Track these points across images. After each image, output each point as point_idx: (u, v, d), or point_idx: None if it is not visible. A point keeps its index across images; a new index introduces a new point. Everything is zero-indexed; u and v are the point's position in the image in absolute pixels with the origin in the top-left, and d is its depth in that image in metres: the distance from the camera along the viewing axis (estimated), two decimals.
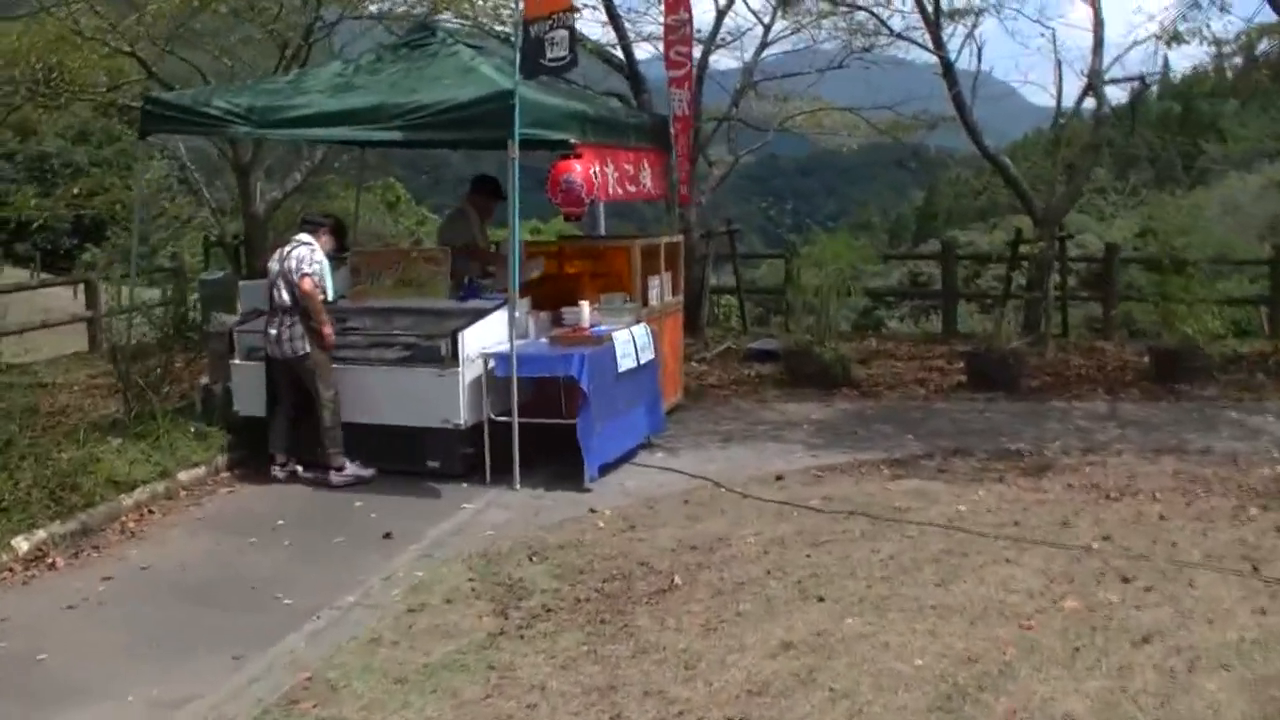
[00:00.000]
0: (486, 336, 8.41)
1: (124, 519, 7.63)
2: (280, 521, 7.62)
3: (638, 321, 9.18)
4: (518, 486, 8.16)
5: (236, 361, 9.06)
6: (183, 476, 8.41)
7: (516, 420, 8.15)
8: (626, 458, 8.82)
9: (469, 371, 8.32)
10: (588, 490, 8.07)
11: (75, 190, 18.48)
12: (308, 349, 8.37)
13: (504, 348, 8.27)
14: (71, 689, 5.19)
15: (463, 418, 8.29)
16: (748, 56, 14.77)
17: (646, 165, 10.12)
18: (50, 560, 6.92)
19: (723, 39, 14.50)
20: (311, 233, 8.63)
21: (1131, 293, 14.77)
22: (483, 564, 6.58)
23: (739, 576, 6.19)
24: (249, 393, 8.98)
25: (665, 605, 5.84)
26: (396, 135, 8.42)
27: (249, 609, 6.11)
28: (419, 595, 6.12)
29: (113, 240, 30.53)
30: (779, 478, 8.26)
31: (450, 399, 8.29)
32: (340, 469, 8.45)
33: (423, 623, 5.75)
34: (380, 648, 5.47)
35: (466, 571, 6.45)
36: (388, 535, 7.23)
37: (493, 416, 8.28)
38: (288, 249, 8.53)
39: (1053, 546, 6.45)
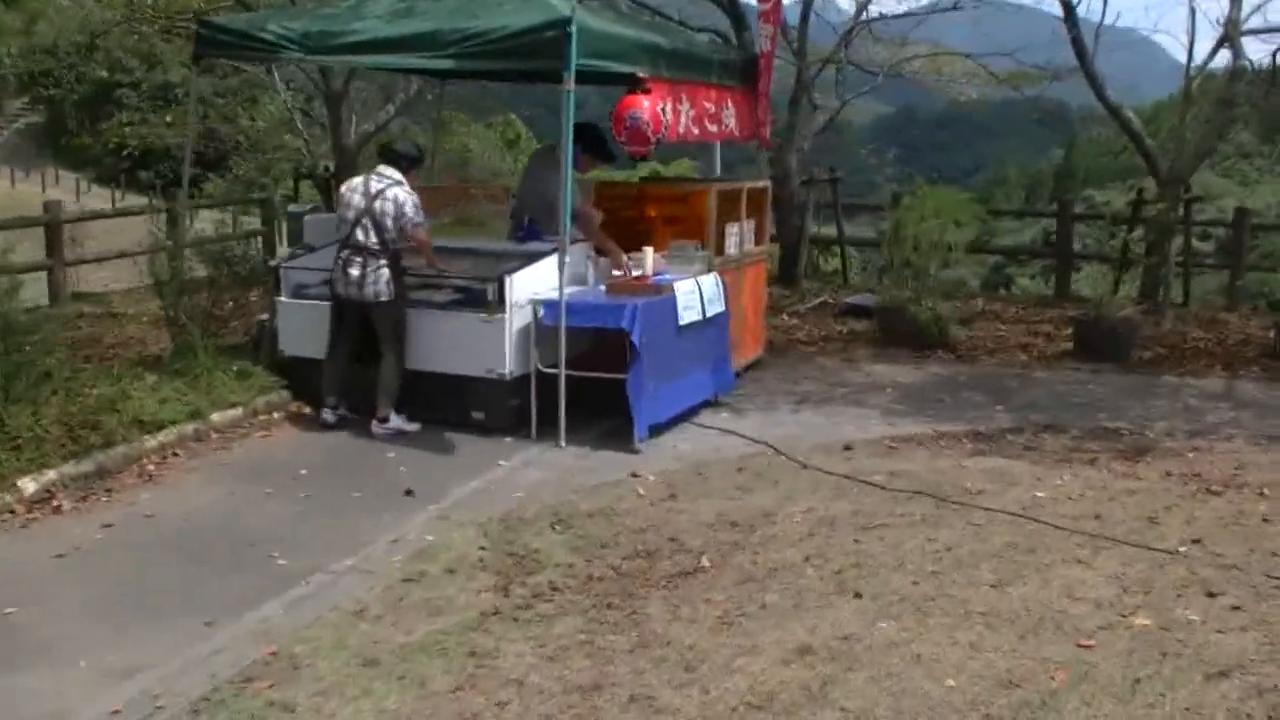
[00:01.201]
0: (539, 282, 7.82)
1: (144, 461, 7.25)
2: (303, 471, 7.18)
3: (708, 271, 8.50)
4: (563, 444, 7.61)
5: (283, 299, 8.64)
6: (216, 418, 8.02)
7: (563, 373, 7.58)
8: (686, 417, 8.20)
9: (517, 319, 7.77)
10: (636, 452, 7.48)
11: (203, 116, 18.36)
12: (392, 295, 7.86)
13: (556, 295, 7.68)
14: (28, 649, 4.79)
15: (508, 368, 7.76)
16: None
17: (731, 104, 9.38)
18: (56, 503, 6.58)
19: None
20: (403, 170, 8.01)
21: (1266, 262, 13.55)
22: (499, 530, 6.04)
23: (774, 561, 5.54)
24: (295, 332, 8.57)
25: (684, 591, 5.23)
26: (449, 64, 7.88)
27: (239, 568, 5.66)
28: (420, 563, 5.61)
29: (235, 170, 30.83)
30: (847, 447, 7.56)
31: (496, 347, 7.76)
32: (384, 420, 7.99)
33: (415, 595, 5.23)
34: (361, 622, 4.97)
35: (480, 538, 5.92)
36: (409, 492, 6.74)
37: (540, 368, 7.72)
38: (377, 185, 7.90)
39: (1134, 547, 5.65)
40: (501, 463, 7.30)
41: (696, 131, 8.80)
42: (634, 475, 6.98)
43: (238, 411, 8.20)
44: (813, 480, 6.86)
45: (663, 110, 7.90)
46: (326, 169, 15.93)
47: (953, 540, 5.74)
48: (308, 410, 8.41)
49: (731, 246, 9.20)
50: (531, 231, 8.59)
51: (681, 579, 5.37)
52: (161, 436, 7.56)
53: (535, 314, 7.72)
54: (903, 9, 14.76)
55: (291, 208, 13.99)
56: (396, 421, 7.99)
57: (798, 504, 6.38)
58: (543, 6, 7.50)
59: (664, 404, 7.83)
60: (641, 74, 7.89)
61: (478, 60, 7.74)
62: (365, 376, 7.99)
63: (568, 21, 7.18)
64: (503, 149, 30.71)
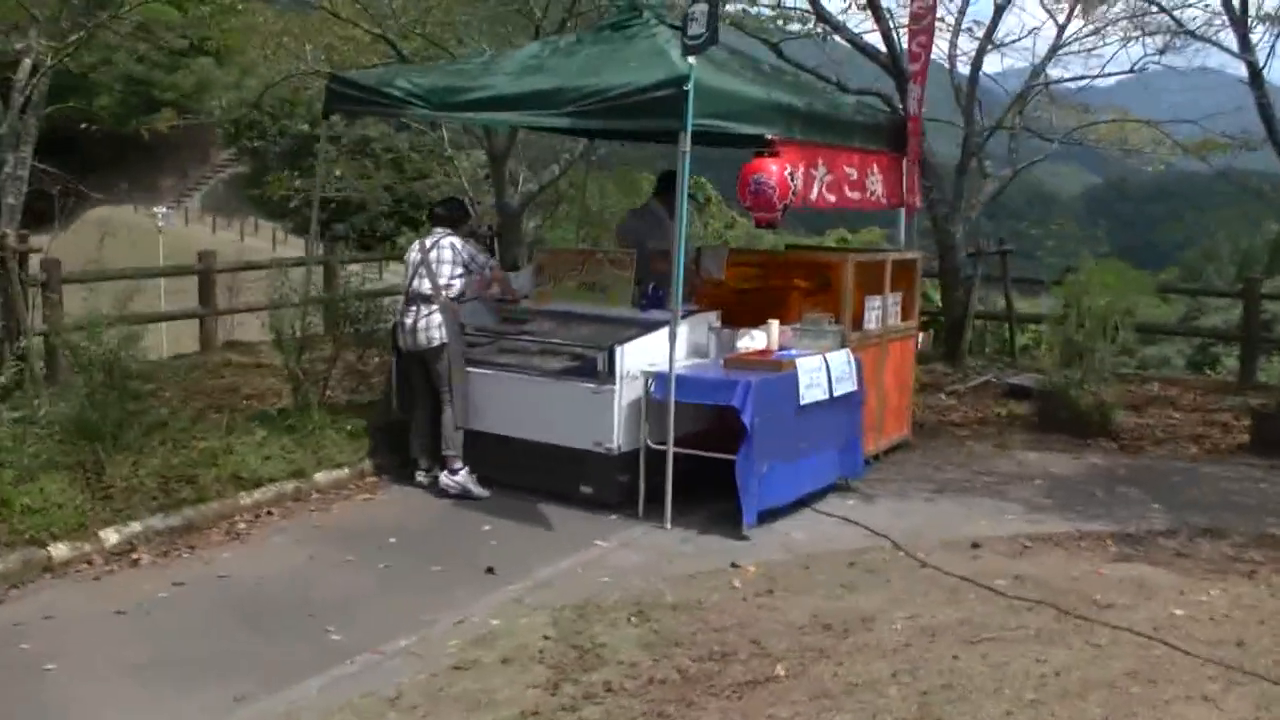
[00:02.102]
0: (654, 353, 7.41)
1: (236, 519, 7.18)
2: (392, 540, 6.93)
3: (840, 347, 7.96)
4: (668, 525, 7.17)
5: (399, 357, 8.48)
6: (319, 477, 7.88)
7: (671, 450, 7.14)
8: (807, 502, 7.65)
9: (628, 391, 7.39)
10: (745, 539, 6.98)
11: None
12: (445, 339, 7.82)
13: (659, 367, 7.27)
14: (51, 709, 4.66)
15: (616, 442, 7.38)
16: (1023, 60, 13.09)
17: (877, 170, 8.86)
18: (136, 556, 6.53)
19: (1002, 39, 12.91)
20: (452, 226, 8.25)
21: None
22: (571, 619, 5.63)
23: (857, 675, 4.96)
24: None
25: (748, 703, 4.71)
26: (565, 122, 7.58)
27: (292, 640, 5.41)
28: (477, 649, 5.24)
29: (426, 226, 31.48)
30: (975, 545, 6.88)
31: (605, 420, 7.40)
32: (454, 472, 7.80)
33: (458, 686, 4.86)
34: (391, 710, 4.64)
35: (547, 626, 5.52)
36: (490, 570, 6.40)
37: (650, 444, 7.30)
38: (431, 240, 8.10)
39: (1276, 685, 4.86)
40: (598, 542, 6.90)
41: (833, 198, 8.32)
42: (734, 565, 6.48)
43: (343, 472, 8.06)
44: (928, 581, 6.23)
45: (790, 175, 7.45)
46: (490, 228, 15.92)
47: (1065, 662, 5.05)
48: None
49: (872, 321, 8.63)
50: (654, 298, 8.24)
51: (749, 689, 4.85)
52: (258, 494, 7.46)
53: (647, 386, 7.32)
54: (1076, 75, 13.70)
55: None
56: (464, 478, 7.81)
57: (903, 608, 5.77)
58: (665, 64, 7.16)
59: (780, 488, 7.30)
60: (770, 135, 7.49)
61: (594, 119, 7.44)
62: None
63: (684, 79, 6.82)
64: (692, 213, 29.92)
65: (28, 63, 10.03)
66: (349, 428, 8.48)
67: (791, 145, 7.73)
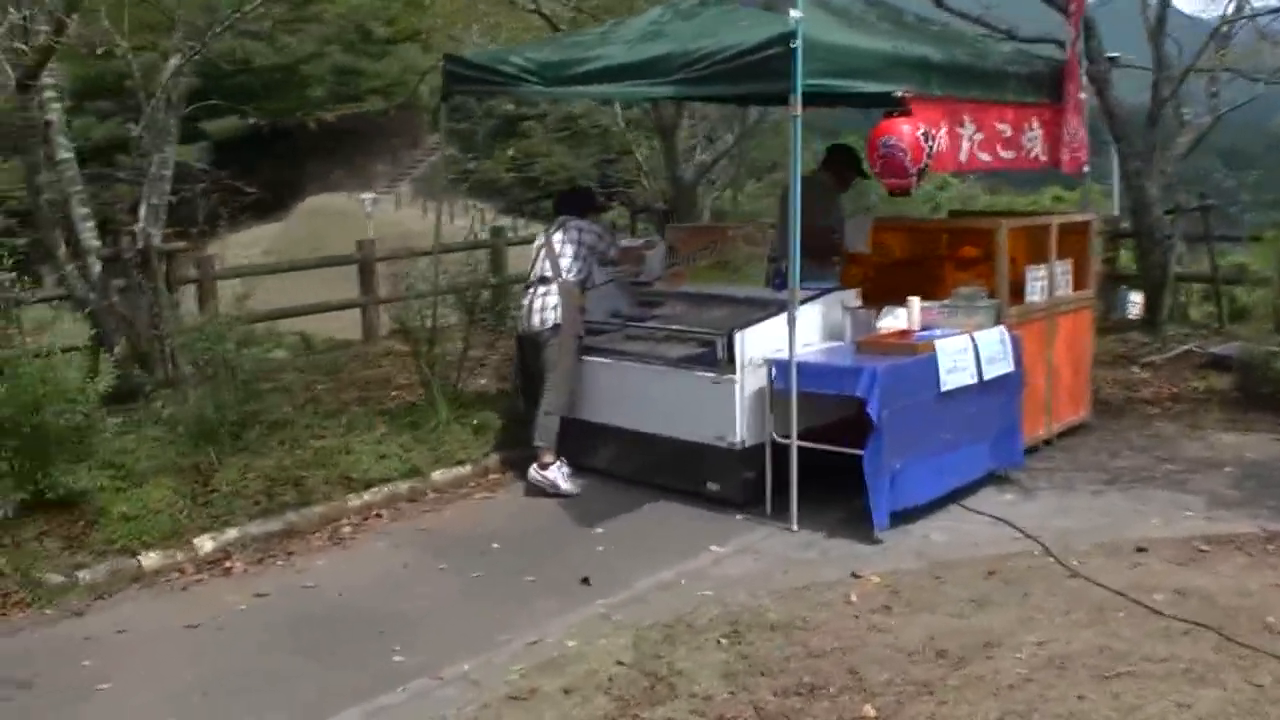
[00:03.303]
0: (782, 337, 6.75)
1: (341, 522, 6.95)
2: (495, 545, 6.56)
3: (994, 324, 7.16)
4: (795, 527, 6.56)
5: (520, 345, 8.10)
6: (437, 476, 7.58)
7: (795, 445, 6.52)
8: (956, 497, 6.91)
9: (750, 380, 6.80)
10: (877, 542, 6.32)
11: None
12: (559, 320, 7.44)
13: (786, 353, 6.64)
14: None
15: (739, 436, 6.81)
16: None
17: (1037, 124, 7.96)
18: (229, 564, 6.35)
19: None
20: (578, 213, 7.88)
21: None
22: (656, 640, 5.11)
23: (960, 716, 4.28)
24: None
25: None
26: (670, 90, 7.09)
27: (352, 661, 5.08)
28: (541, 676, 4.78)
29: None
30: (1140, 549, 6.03)
31: (726, 411, 6.83)
32: (544, 466, 7.37)
33: (508, 719, 4.41)
34: None
35: (626, 649, 5.01)
36: (585, 581, 5.94)
37: (776, 438, 6.69)
38: (557, 225, 7.81)
39: None
40: (713, 548, 6.35)
41: (986, 158, 7.49)
42: (855, 575, 5.82)
43: (464, 469, 7.75)
44: (1073, 595, 5.44)
45: (925, 136, 6.67)
46: (665, 203, 15.43)
47: (1213, 708, 4.23)
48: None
49: (1035, 293, 7.77)
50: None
51: None
52: (368, 495, 7.22)
53: (770, 375, 6.71)
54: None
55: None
56: (555, 473, 7.37)
57: (1035, 631, 5.03)
58: (779, 21, 6.48)
59: (918, 485, 6.59)
60: (900, 93, 6.74)
61: (702, 86, 6.83)
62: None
63: (790, 36, 6.15)
64: (860, 184, 27.83)
65: (173, 62, 10.00)
66: (475, 422, 8.17)
67: (928, 102, 6.96)
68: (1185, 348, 10.46)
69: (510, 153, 22.28)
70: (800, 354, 6.60)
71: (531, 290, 7.65)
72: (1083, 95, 8.33)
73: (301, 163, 39.14)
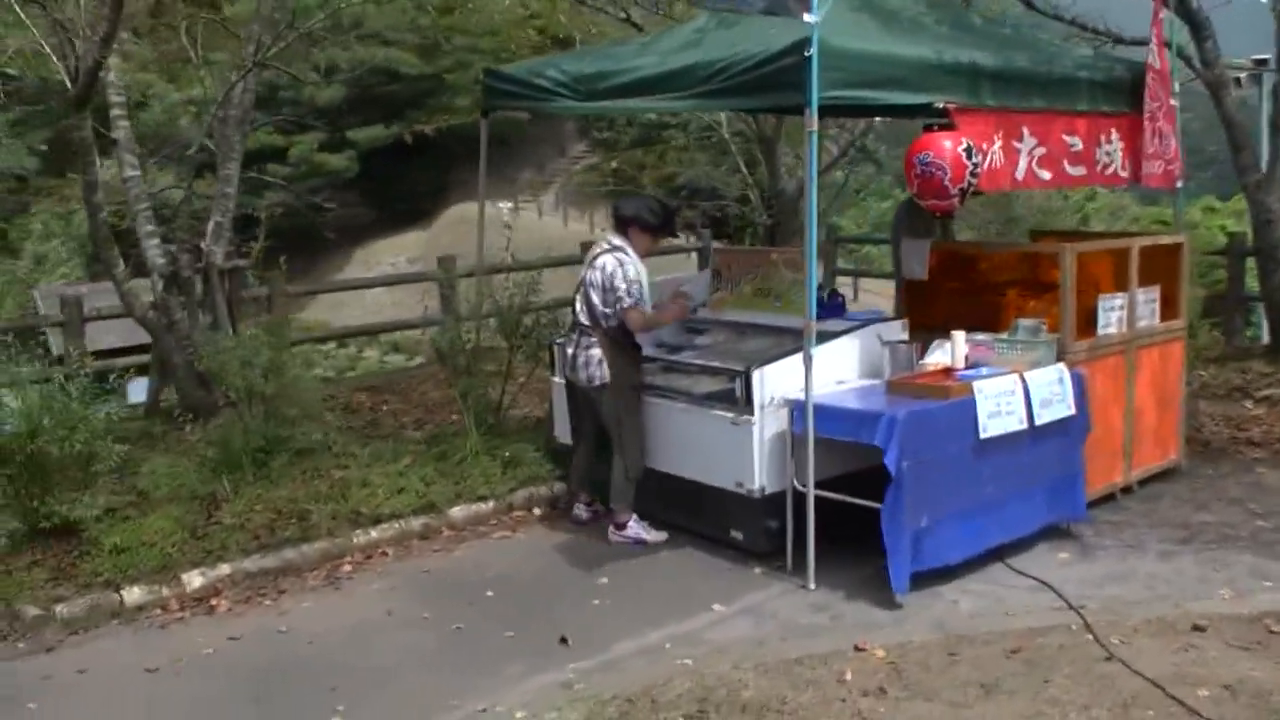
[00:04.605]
0: (817, 373, 6.11)
1: (343, 559, 6.65)
2: (489, 593, 6.15)
3: (1051, 362, 6.41)
4: (812, 585, 5.96)
5: (555, 379, 7.61)
6: (456, 513, 7.18)
7: (812, 494, 5.91)
8: (1004, 552, 6.20)
9: (771, 422, 6.20)
10: (896, 607, 5.66)
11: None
12: (606, 378, 6.67)
13: (821, 391, 6.03)
14: None
15: (758, 482, 6.22)
16: None
17: (1116, 136, 7.17)
18: (215, 602, 6.09)
19: None
20: (623, 232, 6.85)
21: None
22: (609, 716, 4.62)
23: None
24: (563, 418, 7.54)
25: None
26: (691, 104, 6.51)
27: None
28: None
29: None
30: (1197, 628, 5.25)
31: (744, 455, 6.25)
32: (621, 526, 6.77)
33: None
34: None
35: None
36: (563, 640, 5.46)
37: (797, 486, 6.08)
38: (595, 253, 6.86)
39: None
40: (716, 606, 5.79)
41: (1048, 175, 6.76)
42: (858, 648, 5.19)
43: (485, 506, 7.33)
44: (1102, 684, 4.72)
45: (969, 152, 5.99)
46: (770, 217, 14.84)
47: None
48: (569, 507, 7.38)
49: (1110, 324, 6.98)
50: (832, 306, 6.99)
51: None
52: (376, 532, 6.88)
53: (792, 416, 6.11)
54: None
55: None
56: (635, 528, 6.77)
57: None
58: (796, 27, 5.87)
59: (949, 543, 5.90)
60: (941, 104, 6.08)
61: (722, 99, 6.32)
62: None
63: (804, 43, 5.55)
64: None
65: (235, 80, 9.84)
66: (507, 454, 7.74)
67: (977, 114, 6.29)
68: None
69: (614, 164, 21.80)
70: (821, 394, 5.99)
71: (575, 338, 6.82)
72: (1174, 101, 7.48)
73: (447, 171, 39.44)
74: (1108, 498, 7.09)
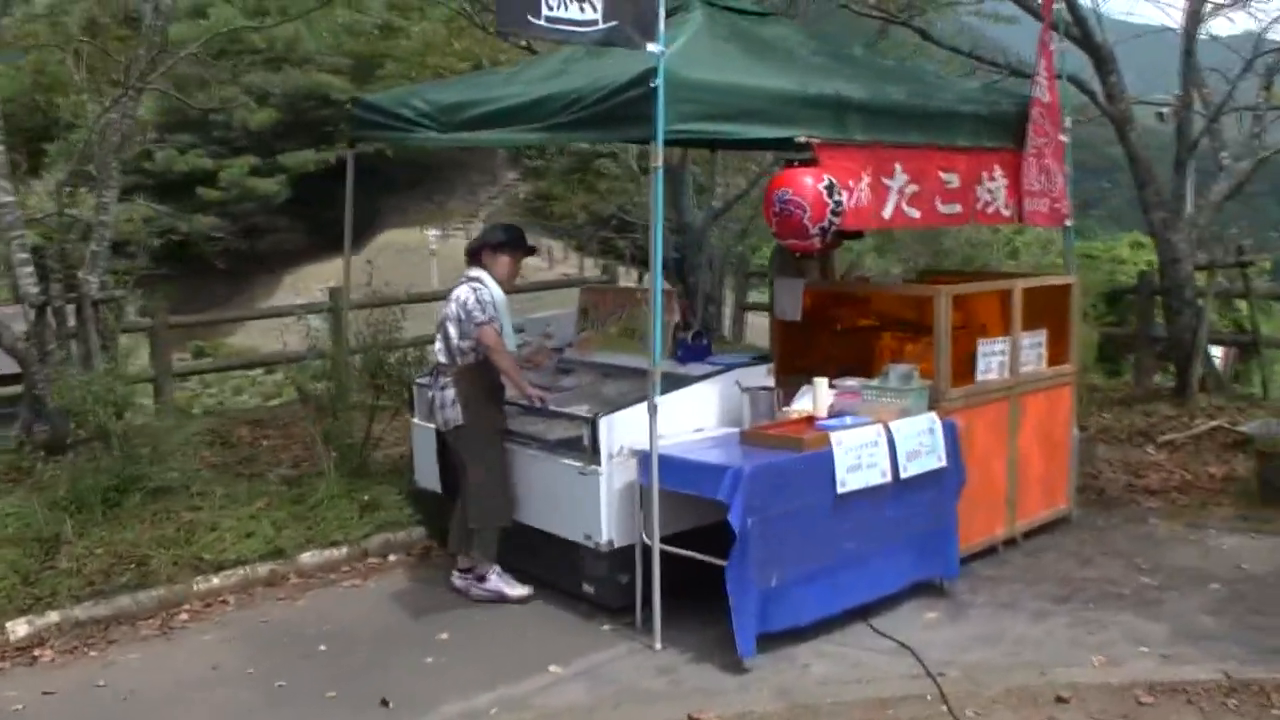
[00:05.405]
0: (664, 422, 5.76)
1: (179, 608, 6.29)
2: (322, 647, 5.79)
3: (921, 410, 6.10)
4: (658, 645, 5.59)
5: (415, 421, 7.24)
6: (306, 559, 6.81)
7: (657, 549, 5.56)
8: (869, 611, 5.87)
9: (619, 473, 5.85)
10: (744, 671, 5.30)
11: None
12: (462, 420, 6.23)
13: (663, 442, 5.68)
14: None
15: (605, 535, 5.86)
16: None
17: (1000, 174, 6.89)
18: (38, 653, 5.74)
19: None
20: (476, 260, 6.44)
21: None
22: None
23: None
24: (423, 461, 7.16)
25: None
26: (543, 137, 6.18)
27: None
28: None
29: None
30: (1061, 699, 4.94)
31: (591, 507, 5.89)
32: (482, 579, 6.36)
33: None
34: None
35: None
36: (384, 703, 5.10)
37: (646, 540, 5.71)
38: (452, 289, 6.44)
39: None
40: (552, 668, 5.42)
41: (917, 214, 6.45)
42: (692, 719, 4.84)
43: (339, 552, 6.97)
44: None
45: (829, 189, 5.69)
46: (676, 251, 14.44)
47: None
48: (439, 553, 6.97)
49: (990, 370, 6.69)
50: (696, 348, 6.65)
51: None
52: (218, 580, 6.53)
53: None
54: None
55: None
56: (496, 582, 6.35)
57: None
58: (643, 58, 5.53)
59: (801, 603, 5.54)
60: (803, 138, 5.78)
61: (573, 131, 5.92)
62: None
63: (650, 74, 5.23)
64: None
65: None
66: (366, 497, 7.36)
67: (844, 149, 6.01)
68: (1215, 424, 9.19)
69: (521, 195, 21.47)
70: (669, 445, 5.66)
71: (431, 378, 6.48)
72: (1063, 137, 7.21)
73: (379, 196, 39.03)
74: (989, 551, 6.79)
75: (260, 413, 10.85)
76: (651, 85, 5.23)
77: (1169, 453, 8.82)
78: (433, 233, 32.98)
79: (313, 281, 36.14)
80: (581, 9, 5.05)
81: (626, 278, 20.50)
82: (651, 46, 5.22)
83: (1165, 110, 12.45)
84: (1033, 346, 7.01)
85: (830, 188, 5.71)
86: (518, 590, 6.32)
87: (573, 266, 32.29)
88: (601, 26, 5.14)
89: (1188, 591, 6.23)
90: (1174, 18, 10.17)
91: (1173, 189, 9.70)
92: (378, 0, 35.65)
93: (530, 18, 4.98)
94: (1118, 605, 6.07)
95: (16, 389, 9.72)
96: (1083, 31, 9.22)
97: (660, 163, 5.34)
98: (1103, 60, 9.27)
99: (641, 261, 16.94)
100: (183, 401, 17.26)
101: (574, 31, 5.08)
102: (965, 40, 9.89)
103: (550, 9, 4.94)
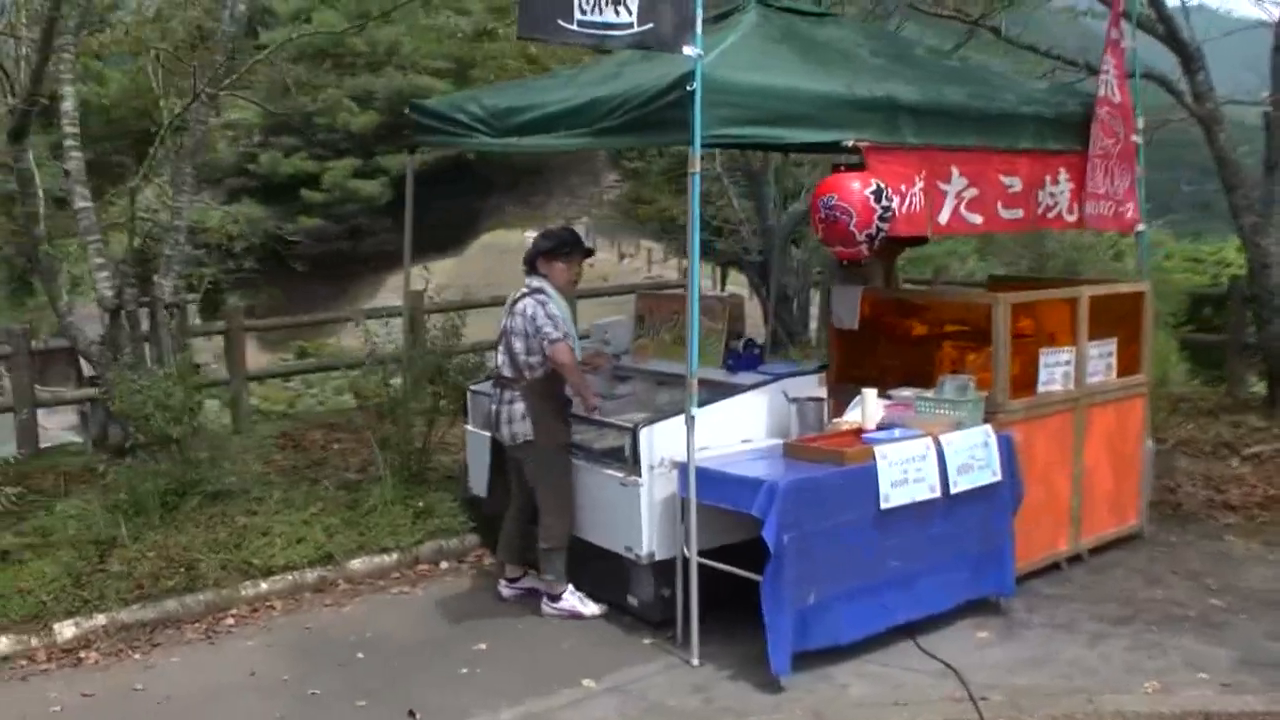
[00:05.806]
0: (709, 432, 5.66)
1: (226, 612, 6.31)
2: (360, 655, 5.76)
3: (976, 423, 5.90)
4: (695, 661, 5.47)
5: (470, 428, 7.22)
6: (356, 565, 6.82)
7: (695, 562, 5.44)
8: (917, 629, 5.68)
9: (660, 484, 5.74)
10: (780, 690, 5.17)
11: None
12: (531, 435, 6.08)
13: (706, 453, 5.57)
14: None
15: (645, 547, 5.76)
16: None
17: (1065, 177, 6.65)
18: (84, 654, 5.79)
19: None
20: (534, 270, 6.26)
21: None
22: None
23: None
24: (477, 469, 7.13)
25: None
26: (586, 142, 6.07)
27: None
28: None
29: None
30: None
31: (633, 519, 5.79)
32: (555, 598, 6.22)
33: None
34: None
35: None
36: (411, 715, 5.05)
37: (686, 552, 5.60)
38: (514, 299, 6.27)
39: None
40: (585, 682, 5.33)
41: (979, 220, 6.25)
42: None
43: (388, 558, 6.95)
44: None
45: (877, 194, 5.53)
46: (760, 253, 14.27)
47: None
48: (491, 561, 6.94)
49: (1054, 381, 6.45)
50: (747, 358, 6.53)
51: None
52: (266, 585, 6.54)
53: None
54: None
55: None
56: (571, 600, 6.20)
57: None
58: (681, 61, 5.40)
59: (841, 621, 5.38)
60: (850, 142, 5.62)
61: (618, 136, 5.84)
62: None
63: (687, 78, 5.12)
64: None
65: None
66: (420, 504, 7.36)
67: (896, 153, 5.83)
68: None
69: (611, 197, 21.47)
70: (708, 457, 5.54)
71: (497, 392, 6.24)
72: (1136, 139, 6.94)
73: (480, 198, 39.34)
74: (1051, 568, 6.55)
75: (338, 416, 10.91)
76: (689, 89, 5.11)
77: (1253, 466, 8.44)
78: (530, 234, 33.13)
79: (415, 282, 36.56)
80: (617, 11, 4.95)
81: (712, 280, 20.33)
82: (688, 50, 5.10)
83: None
84: (1101, 356, 6.75)
85: (878, 193, 5.55)
86: (591, 608, 6.17)
87: (671, 269, 32.12)
88: (637, 30, 5.05)
89: (1257, 615, 5.94)
90: (1271, 13, 9.67)
91: (1263, 192, 9.29)
92: (479, 4, 36.04)
93: (561, 22, 4.90)
94: (1181, 629, 5.80)
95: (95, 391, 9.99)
96: (1168, 29, 8.87)
97: (698, 168, 5.21)
98: (1189, 58, 8.91)
99: (724, 264, 16.74)
100: (283, 401, 17.58)
101: (608, 35, 4.99)
102: (1075, 39, 9.52)
103: (584, 12, 4.87)
